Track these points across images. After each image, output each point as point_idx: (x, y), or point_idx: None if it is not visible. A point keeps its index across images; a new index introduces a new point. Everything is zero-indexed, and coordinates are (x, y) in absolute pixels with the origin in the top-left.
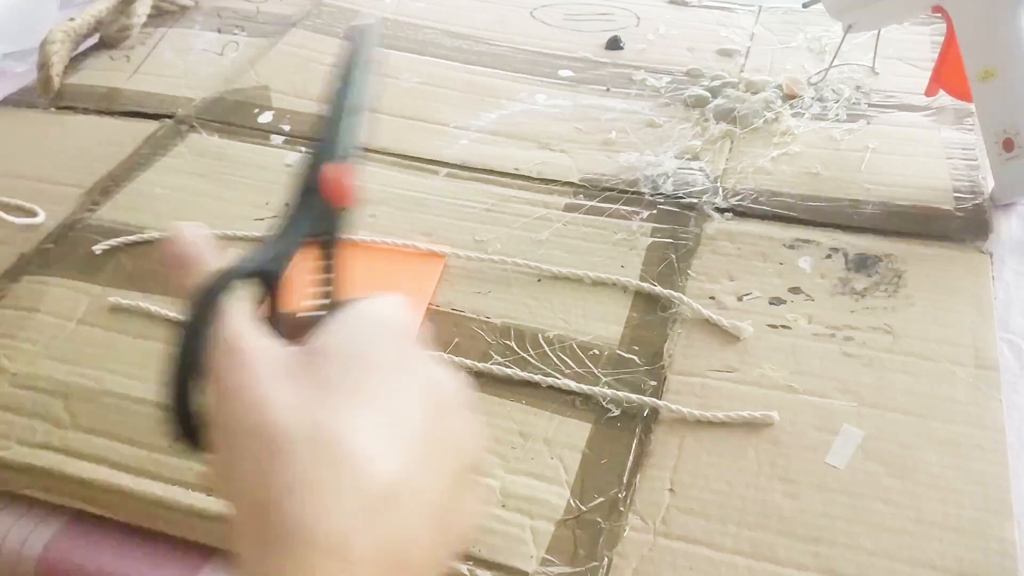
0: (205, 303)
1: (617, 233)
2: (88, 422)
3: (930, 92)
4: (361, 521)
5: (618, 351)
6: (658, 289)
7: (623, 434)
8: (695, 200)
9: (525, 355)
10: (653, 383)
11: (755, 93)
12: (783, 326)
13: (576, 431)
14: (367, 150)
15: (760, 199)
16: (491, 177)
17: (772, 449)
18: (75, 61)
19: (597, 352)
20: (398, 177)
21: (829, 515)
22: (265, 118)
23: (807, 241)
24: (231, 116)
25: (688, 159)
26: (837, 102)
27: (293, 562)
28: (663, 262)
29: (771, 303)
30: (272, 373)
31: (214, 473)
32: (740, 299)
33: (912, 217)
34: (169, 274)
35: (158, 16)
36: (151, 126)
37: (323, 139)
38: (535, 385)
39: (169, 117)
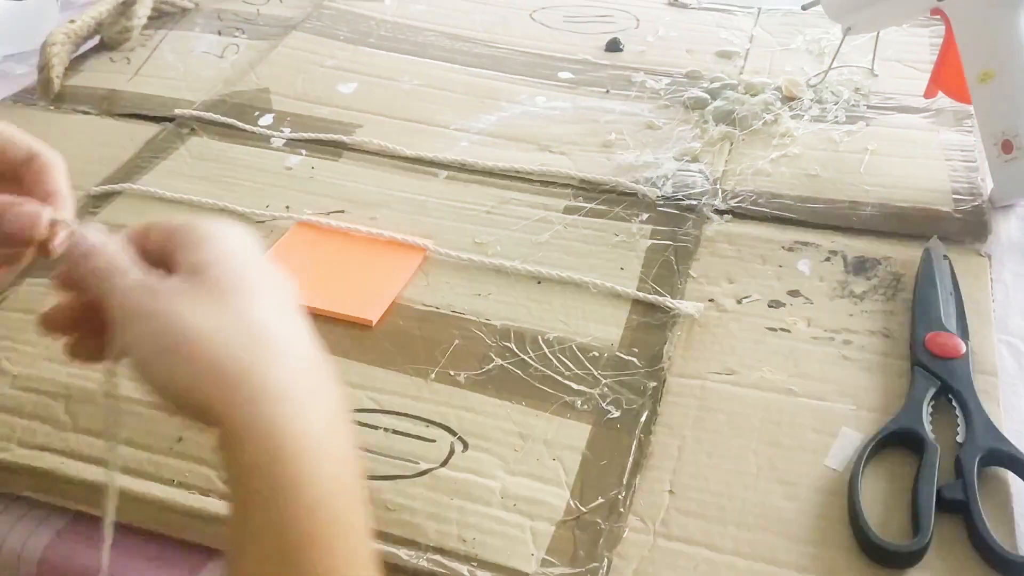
0: None
1: (617, 235)
2: (89, 424)
3: (929, 94)
4: (301, 378)
5: (618, 353)
6: (657, 291)
7: (623, 436)
8: (694, 202)
9: (525, 357)
10: (653, 385)
11: (754, 95)
12: (782, 329)
13: (576, 432)
14: (367, 152)
15: (759, 201)
16: (491, 179)
17: (771, 451)
18: (75, 63)
19: (597, 354)
20: (398, 179)
21: (828, 517)
22: (266, 120)
23: (806, 244)
24: (231, 118)
25: (687, 161)
26: (836, 104)
27: (281, 410)
28: (662, 264)
29: (770, 306)
30: (187, 307)
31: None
32: (739, 301)
33: (911, 219)
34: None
35: (158, 18)
36: (151, 128)
37: None
38: (535, 387)
39: (169, 120)
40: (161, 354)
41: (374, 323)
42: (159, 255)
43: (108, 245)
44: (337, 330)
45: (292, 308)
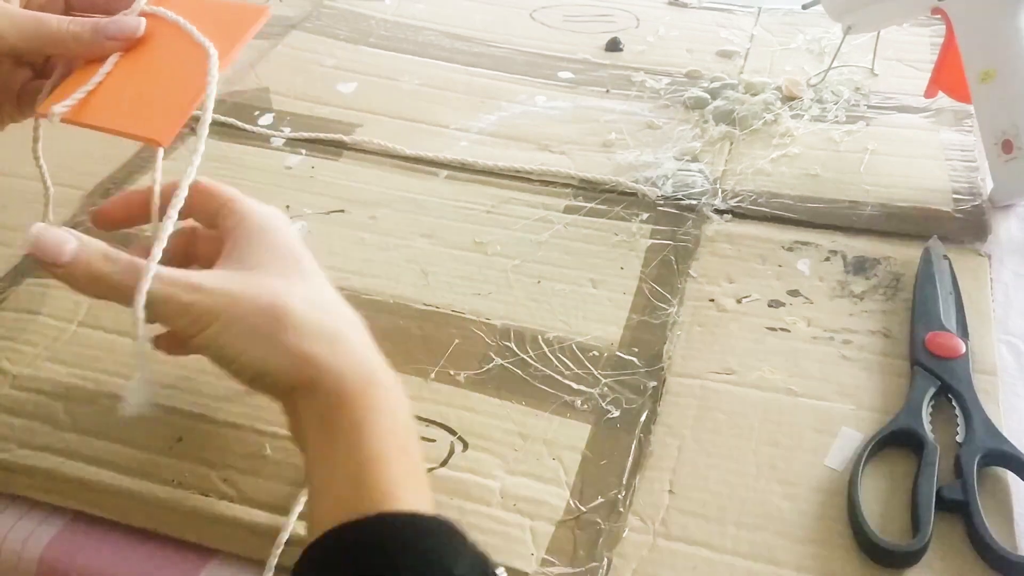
0: None
1: (617, 235)
2: (88, 424)
3: (929, 94)
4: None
5: (618, 353)
6: (657, 290)
7: (623, 435)
8: (694, 202)
9: (525, 356)
10: (653, 384)
11: (754, 95)
12: (782, 329)
13: (576, 432)
14: (367, 151)
15: (759, 201)
16: (491, 179)
17: (771, 451)
18: None
19: (597, 353)
20: (398, 179)
21: (828, 517)
22: (265, 120)
23: (806, 243)
24: (231, 118)
25: (687, 161)
26: (836, 104)
27: (383, 390)
28: (662, 264)
29: (770, 305)
30: (282, 286)
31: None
32: (739, 301)
33: (911, 219)
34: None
35: None
36: None
37: None
38: (535, 386)
39: None
40: (256, 333)
41: (163, 143)
42: (203, 215)
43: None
44: None
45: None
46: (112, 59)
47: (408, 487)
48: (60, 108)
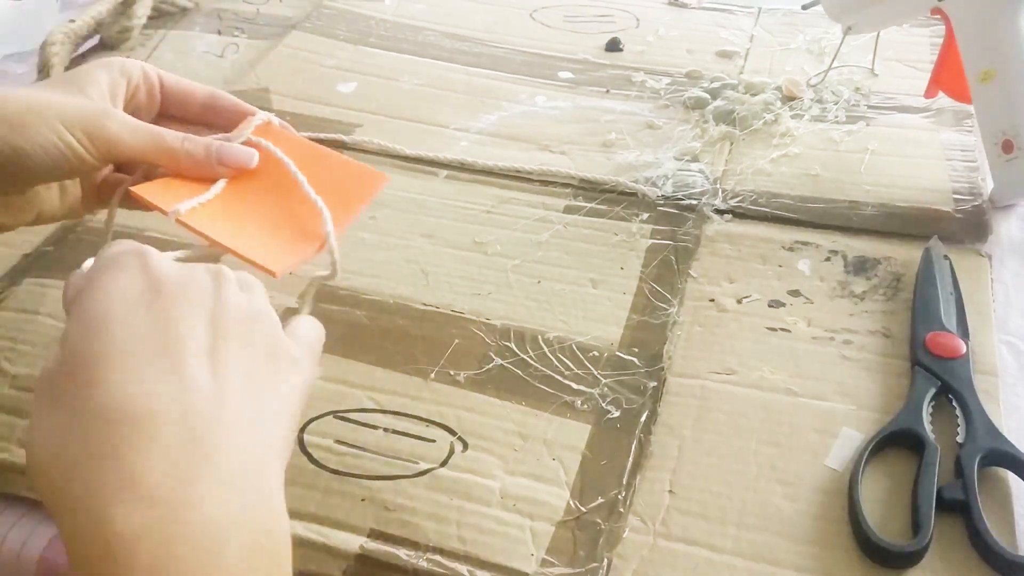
0: None
1: (617, 235)
2: None
3: (929, 94)
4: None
5: (618, 353)
6: (657, 290)
7: (623, 435)
8: (694, 202)
9: (525, 356)
10: (653, 385)
11: (754, 95)
12: (782, 329)
13: (576, 432)
14: (367, 151)
15: (759, 201)
16: (491, 179)
17: (772, 451)
18: (75, 63)
19: (597, 354)
20: (398, 179)
21: (828, 517)
22: None
23: (806, 243)
24: None
25: (687, 161)
26: (836, 104)
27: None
28: (662, 264)
29: (770, 305)
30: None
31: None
32: (739, 301)
33: (911, 219)
34: None
35: (158, 18)
36: None
37: None
38: (535, 387)
39: None
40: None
41: (278, 275)
42: None
43: None
44: (336, 328)
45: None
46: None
47: None
48: (184, 208)
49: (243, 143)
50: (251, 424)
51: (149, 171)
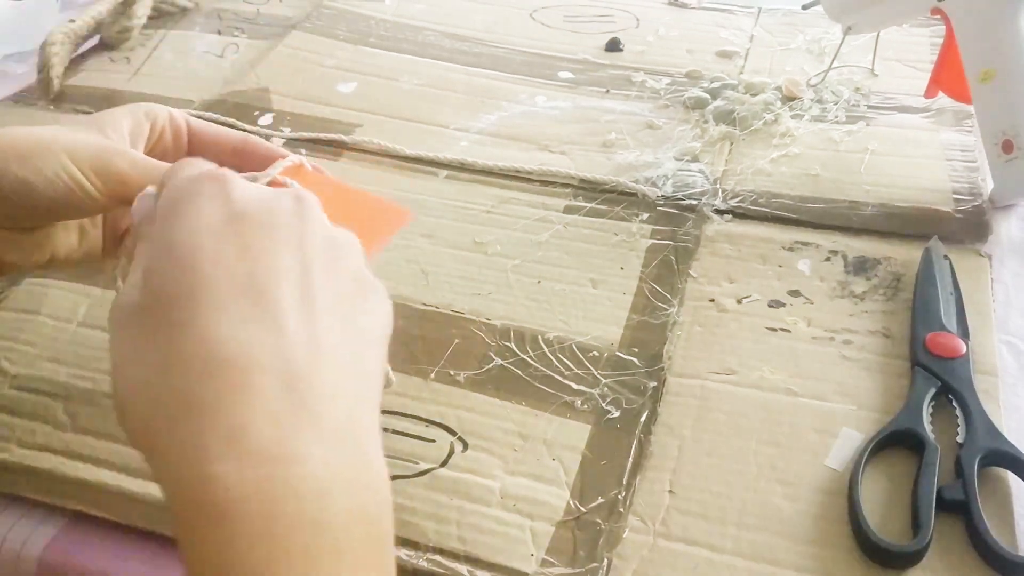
0: None
1: (617, 235)
2: (88, 424)
3: (929, 94)
4: (277, 417)
5: (618, 353)
6: (657, 291)
7: (623, 436)
8: (694, 202)
9: (525, 356)
10: (653, 385)
11: (754, 95)
12: (782, 329)
13: (576, 432)
14: (367, 151)
15: (759, 201)
16: (491, 179)
17: (772, 452)
18: (75, 63)
19: (597, 354)
20: (398, 179)
21: (828, 517)
22: (265, 120)
23: (806, 243)
24: (231, 118)
25: (687, 161)
26: (836, 104)
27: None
28: (662, 264)
29: (770, 305)
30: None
31: None
32: (739, 301)
33: (911, 219)
34: None
35: (158, 18)
36: None
37: None
38: (535, 387)
39: None
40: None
41: None
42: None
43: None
44: None
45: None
46: None
47: None
48: None
49: (268, 183)
50: (346, 368)
51: None
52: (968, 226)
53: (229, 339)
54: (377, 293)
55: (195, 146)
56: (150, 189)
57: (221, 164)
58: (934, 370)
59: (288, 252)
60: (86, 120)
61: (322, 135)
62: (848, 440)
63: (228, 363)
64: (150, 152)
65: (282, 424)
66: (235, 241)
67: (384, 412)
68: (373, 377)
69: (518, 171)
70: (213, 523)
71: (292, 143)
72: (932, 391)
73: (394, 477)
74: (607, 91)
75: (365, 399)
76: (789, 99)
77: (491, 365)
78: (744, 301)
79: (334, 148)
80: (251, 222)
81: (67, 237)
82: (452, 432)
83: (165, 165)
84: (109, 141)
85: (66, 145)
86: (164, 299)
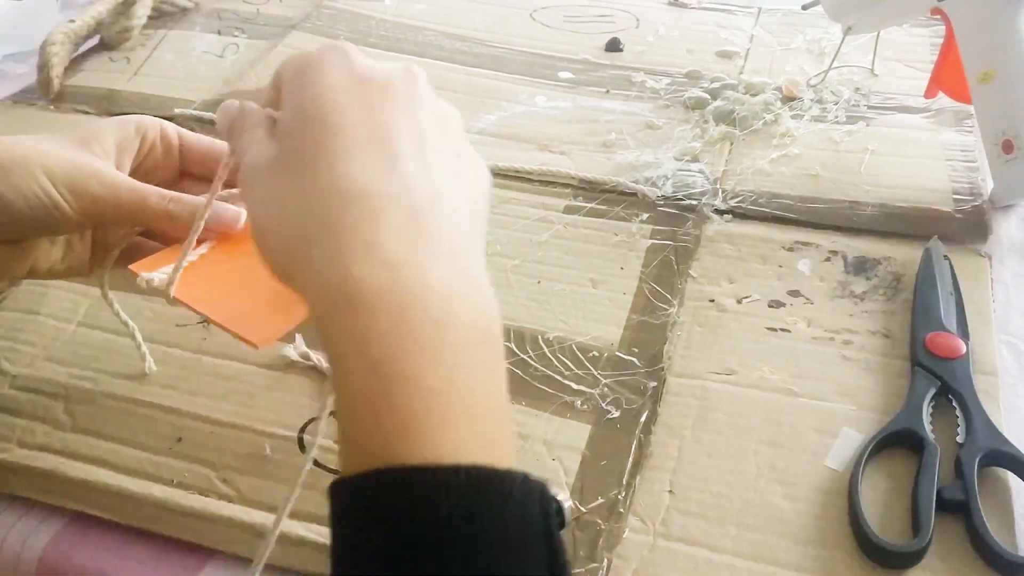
0: None
1: (617, 235)
2: (88, 424)
3: (929, 94)
4: (405, 233)
5: (618, 353)
6: (657, 291)
7: (623, 436)
8: (694, 202)
9: (525, 356)
10: (653, 385)
11: (754, 95)
12: (782, 329)
13: (576, 433)
14: None
15: (759, 201)
16: None
17: (772, 452)
18: (75, 62)
19: (597, 354)
20: None
21: (828, 517)
22: None
23: (806, 244)
24: None
25: (687, 161)
26: (836, 104)
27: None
28: (662, 264)
29: (770, 305)
30: (260, 187)
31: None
32: (739, 301)
33: (911, 219)
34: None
35: (158, 18)
36: None
37: None
38: (535, 387)
39: (169, 119)
40: (258, 237)
41: (259, 346)
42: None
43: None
44: None
45: (404, 146)
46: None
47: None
48: (158, 276)
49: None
50: (459, 210)
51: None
52: (968, 226)
53: (360, 175)
54: (479, 161)
55: (188, 159)
56: (229, 103)
57: (213, 176)
58: (934, 370)
59: (404, 113)
60: (72, 132)
61: None
62: (848, 440)
63: (361, 193)
64: (141, 164)
65: (409, 243)
66: (360, 100)
67: None
68: (478, 222)
69: (518, 171)
70: (353, 316)
71: None
72: (932, 391)
73: None
74: (607, 91)
75: (474, 236)
76: (789, 99)
77: None
78: (744, 301)
79: None
80: (372, 85)
81: (50, 251)
82: None
83: (141, 186)
84: (88, 157)
85: (43, 162)
86: (300, 148)
